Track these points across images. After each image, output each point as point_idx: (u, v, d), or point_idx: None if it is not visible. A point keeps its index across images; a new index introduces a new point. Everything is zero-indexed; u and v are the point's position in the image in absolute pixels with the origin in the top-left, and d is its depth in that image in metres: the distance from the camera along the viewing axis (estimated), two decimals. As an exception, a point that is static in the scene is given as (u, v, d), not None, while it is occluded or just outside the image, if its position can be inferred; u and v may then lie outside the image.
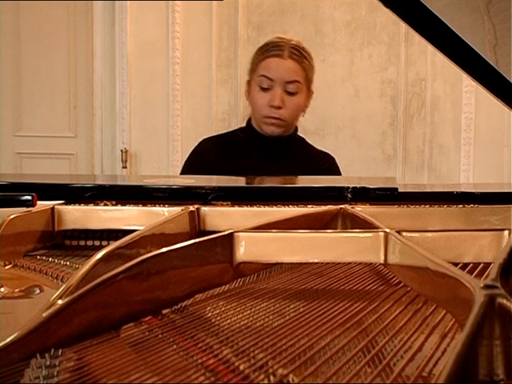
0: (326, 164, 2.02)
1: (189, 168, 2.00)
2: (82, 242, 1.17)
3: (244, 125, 2.05)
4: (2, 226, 1.01)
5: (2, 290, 0.82)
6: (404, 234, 0.92)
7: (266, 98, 1.91)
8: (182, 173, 2.06)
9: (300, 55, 1.92)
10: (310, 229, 0.99)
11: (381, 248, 0.91)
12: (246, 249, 0.90)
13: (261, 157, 1.94)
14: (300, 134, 2.05)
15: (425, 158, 3.98)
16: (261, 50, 1.95)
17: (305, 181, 1.70)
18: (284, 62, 1.89)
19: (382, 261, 0.92)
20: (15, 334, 0.56)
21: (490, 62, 0.87)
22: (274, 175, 1.81)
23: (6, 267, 0.97)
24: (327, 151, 2.07)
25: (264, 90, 1.90)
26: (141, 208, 1.20)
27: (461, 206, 1.28)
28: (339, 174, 2.03)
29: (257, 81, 1.92)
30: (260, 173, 1.82)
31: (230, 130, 2.16)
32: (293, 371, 0.54)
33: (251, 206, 1.24)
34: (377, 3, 0.82)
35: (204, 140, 2.07)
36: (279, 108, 1.90)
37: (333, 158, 2.05)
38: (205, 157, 1.99)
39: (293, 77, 1.90)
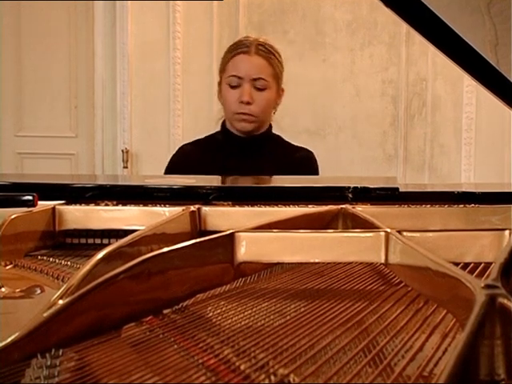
0: (304, 158, 2.04)
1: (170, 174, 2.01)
2: (83, 242, 1.17)
3: (219, 129, 2.06)
4: (2, 226, 1.01)
5: (3, 290, 0.82)
6: (405, 233, 0.92)
7: (235, 94, 1.94)
8: None
9: (267, 51, 1.96)
10: (310, 229, 0.99)
11: (381, 248, 0.91)
12: (247, 249, 0.90)
13: (239, 157, 1.97)
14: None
15: (426, 157, 3.98)
16: (228, 50, 2.00)
17: (305, 181, 1.70)
18: (250, 58, 1.93)
19: (382, 261, 0.92)
20: (16, 334, 0.56)
21: (491, 62, 0.87)
22: (253, 174, 1.82)
23: (7, 267, 0.97)
24: (305, 146, 2.09)
25: (233, 87, 1.94)
26: (142, 208, 1.20)
27: (462, 205, 1.28)
28: (317, 168, 2.05)
29: (227, 81, 1.96)
30: (240, 172, 1.83)
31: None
32: (294, 371, 0.54)
33: (252, 206, 1.24)
34: (378, 3, 0.82)
35: (182, 146, 2.10)
36: (248, 103, 1.93)
37: (311, 152, 2.07)
38: (185, 162, 2.02)
39: (259, 73, 1.93)
